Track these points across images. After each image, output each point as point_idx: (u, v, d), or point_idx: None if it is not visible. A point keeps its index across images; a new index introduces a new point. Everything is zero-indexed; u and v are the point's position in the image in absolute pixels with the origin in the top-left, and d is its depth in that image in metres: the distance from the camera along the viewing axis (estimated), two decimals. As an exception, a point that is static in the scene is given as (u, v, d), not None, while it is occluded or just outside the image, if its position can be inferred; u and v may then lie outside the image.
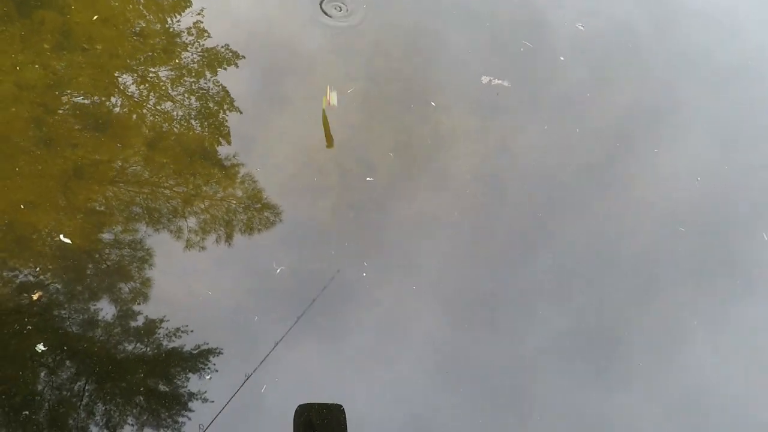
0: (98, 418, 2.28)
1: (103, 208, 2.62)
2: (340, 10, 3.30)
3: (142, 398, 2.35)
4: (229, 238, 2.69)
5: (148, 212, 2.67)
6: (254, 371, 2.40)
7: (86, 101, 2.82)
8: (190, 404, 2.37)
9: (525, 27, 3.47)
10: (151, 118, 2.88)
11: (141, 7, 3.21)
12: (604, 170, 3.09)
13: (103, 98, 2.85)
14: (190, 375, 2.41)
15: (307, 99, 2.99)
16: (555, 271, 2.78)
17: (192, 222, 2.68)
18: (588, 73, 3.35)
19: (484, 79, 3.22)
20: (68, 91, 2.81)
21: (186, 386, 2.39)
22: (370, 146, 2.98)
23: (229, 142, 2.88)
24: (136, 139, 2.78)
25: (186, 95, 2.99)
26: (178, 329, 2.48)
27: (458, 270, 2.75)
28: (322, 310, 2.56)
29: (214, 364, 2.43)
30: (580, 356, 2.64)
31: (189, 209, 2.71)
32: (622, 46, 3.49)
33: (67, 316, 2.44)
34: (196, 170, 2.78)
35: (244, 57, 3.14)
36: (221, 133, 2.91)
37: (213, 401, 2.36)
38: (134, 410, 2.33)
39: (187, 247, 2.63)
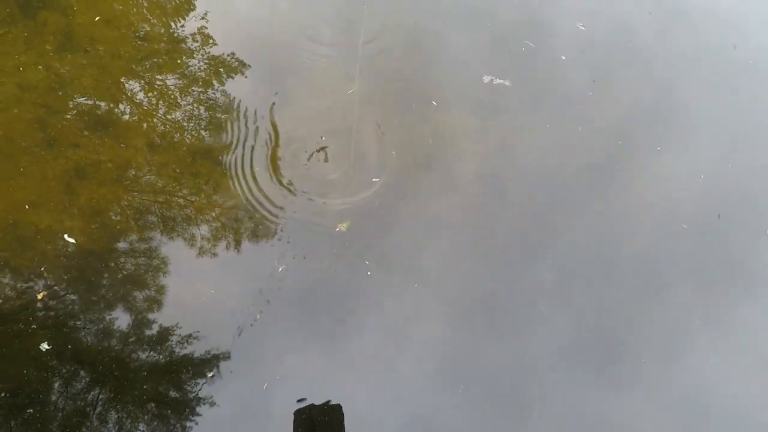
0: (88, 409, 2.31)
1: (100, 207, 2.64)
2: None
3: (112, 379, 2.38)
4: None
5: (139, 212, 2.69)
6: (257, 371, 2.42)
7: (89, 102, 2.84)
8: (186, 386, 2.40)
9: (526, 27, 3.46)
10: (154, 119, 2.89)
11: (144, 10, 3.22)
12: (604, 170, 3.09)
13: (105, 99, 2.87)
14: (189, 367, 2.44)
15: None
16: (555, 271, 2.79)
17: (192, 222, 2.70)
18: (589, 72, 3.34)
19: (486, 79, 3.22)
20: (70, 92, 2.83)
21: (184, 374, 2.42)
22: (372, 145, 2.99)
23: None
24: (138, 139, 2.80)
25: (187, 97, 3.00)
26: (176, 324, 2.50)
27: (458, 270, 2.75)
28: (322, 310, 2.59)
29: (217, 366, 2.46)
30: (580, 356, 2.65)
31: (200, 216, 2.73)
32: (622, 45, 3.49)
33: (66, 314, 2.46)
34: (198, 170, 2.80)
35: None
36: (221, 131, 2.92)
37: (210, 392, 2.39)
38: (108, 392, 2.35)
39: (199, 254, 2.65)
